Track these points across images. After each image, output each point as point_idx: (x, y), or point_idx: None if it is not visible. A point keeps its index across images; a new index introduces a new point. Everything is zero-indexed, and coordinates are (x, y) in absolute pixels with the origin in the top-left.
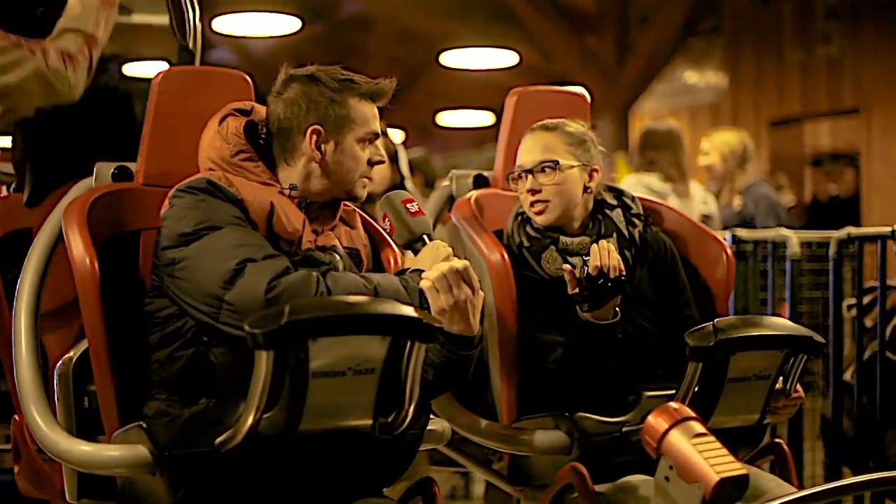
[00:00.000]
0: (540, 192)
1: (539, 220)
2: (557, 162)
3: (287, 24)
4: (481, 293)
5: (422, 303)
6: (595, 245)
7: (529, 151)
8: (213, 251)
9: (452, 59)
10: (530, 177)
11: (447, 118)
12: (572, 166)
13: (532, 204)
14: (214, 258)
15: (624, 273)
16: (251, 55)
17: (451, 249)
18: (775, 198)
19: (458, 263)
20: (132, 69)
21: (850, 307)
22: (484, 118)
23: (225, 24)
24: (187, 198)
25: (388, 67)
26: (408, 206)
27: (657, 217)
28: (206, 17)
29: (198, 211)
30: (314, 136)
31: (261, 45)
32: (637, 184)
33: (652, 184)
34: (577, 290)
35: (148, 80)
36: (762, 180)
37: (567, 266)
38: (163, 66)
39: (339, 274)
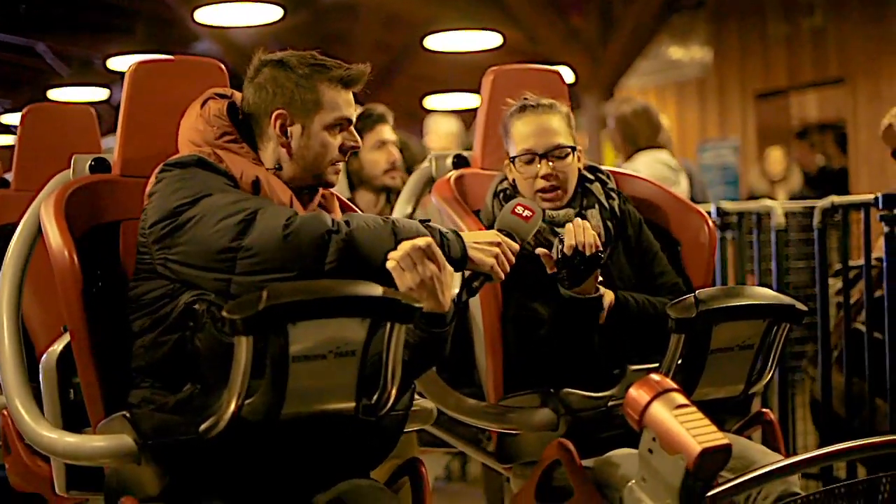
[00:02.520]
0: (556, 177)
1: (549, 206)
2: (574, 148)
3: (269, 13)
4: (449, 268)
5: (443, 243)
6: (569, 224)
7: (539, 134)
8: (215, 210)
9: (437, 42)
10: (544, 161)
11: (434, 101)
12: (574, 149)
13: (544, 190)
14: (219, 215)
15: (601, 248)
16: (235, 45)
17: (499, 237)
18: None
19: (421, 241)
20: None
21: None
22: (470, 100)
23: (207, 15)
24: (177, 171)
25: (372, 53)
26: (517, 209)
27: (638, 190)
28: (189, 9)
29: (191, 182)
30: (279, 120)
31: (244, 34)
32: (653, 160)
33: (668, 160)
34: (554, 270)
35: None
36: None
37: (541, 249)
38: None
39: (353, 213)
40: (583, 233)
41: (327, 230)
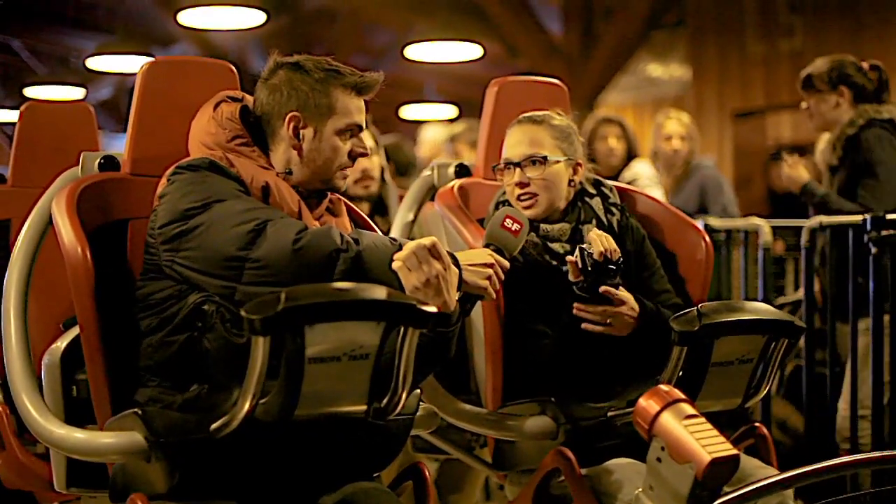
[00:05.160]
0: (528, 185)
1: (528, 214)
2: (546, 157)
3: (252, 18)
4: (454, 269)
5: None
6: (591, 234)
7: (517, 144)
8: (226, 217)
9: (416, 52)
10: (518, 170)
11: (410, 111)
12: (558, 161)
13: (519, 197)
14: (229, 223)
15: (621, 256)
16: (214, 48)
17: (491, 257)
18: None
19: (426, 240)
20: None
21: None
22: (447, 111)
23: (190, 18)
24: (189, 175)
25: (351, 61)
26: (505, 222)
27: (636, 205)
28: (170, 10)
29: (202, 186)
30: (292, 123)
31: (224, 38)
32: (644, 170)
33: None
34: (580, 278)
35: None
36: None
37: (570, 257)
38: None
39: (362, 231)
40: (606, 241)
41: (336, 248)
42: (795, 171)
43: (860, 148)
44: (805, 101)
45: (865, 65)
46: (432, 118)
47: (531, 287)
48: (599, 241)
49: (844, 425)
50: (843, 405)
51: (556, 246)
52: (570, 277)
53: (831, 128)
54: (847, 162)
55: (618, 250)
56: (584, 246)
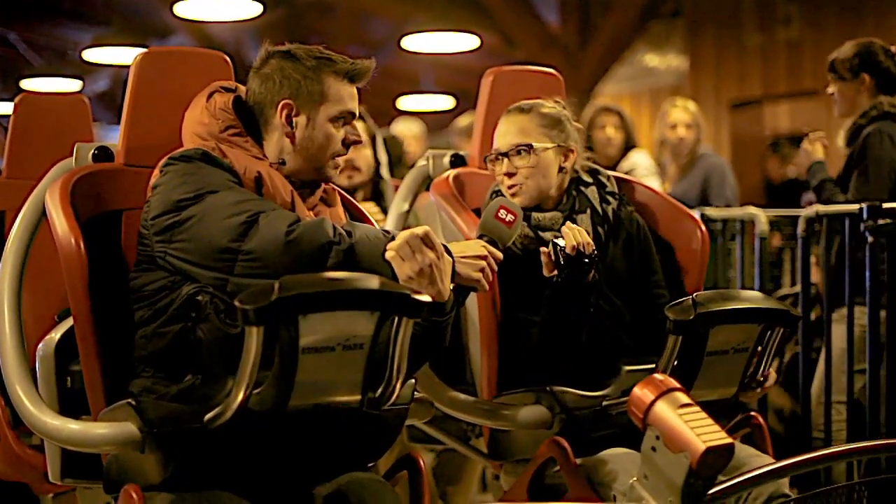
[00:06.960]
0: (515, 174)
1: (515, 203)
2: (531, 146)
3: (249, 9)
4: (448, 258)
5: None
6: (564, 227)
7: (505, 134)
8: (218, 209)
9: (413, 42)
10: (506, 160)
11: (407, 102)
12: (547, 148)
13: (509, 187)
14: (221, 215)
15: (594, 248)
16: (211, 40)
17: (485, 249)
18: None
19: (419, 230)
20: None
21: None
22: (444, 102)
23: (187, 9)
24: (182, 165)
25: (348, 52)
26: (499, 213)
27: (633, 194)
28: (168, 3)
29: (195, 177)
30: (284, 110)
31: (221, 29)
32: (642, 160)
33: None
34: (554, 272)
35: None
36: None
37: (544, 248)
38: None
39: (355, 223)
40: (578, 234)
41: (329, 241)
42: (813, 147)
43: (862, 140)
44: (830, 86)
45: (894, 49)
46: (430, 109)
47: (522, 275)
48: (572, 235)
49: (818, 412)
50: (816, 393)
51: (547, 235)
52: (545, 272)
53: (854, 114)
54: (851, 152)
55: (591, 243)
56: (556, 240)
